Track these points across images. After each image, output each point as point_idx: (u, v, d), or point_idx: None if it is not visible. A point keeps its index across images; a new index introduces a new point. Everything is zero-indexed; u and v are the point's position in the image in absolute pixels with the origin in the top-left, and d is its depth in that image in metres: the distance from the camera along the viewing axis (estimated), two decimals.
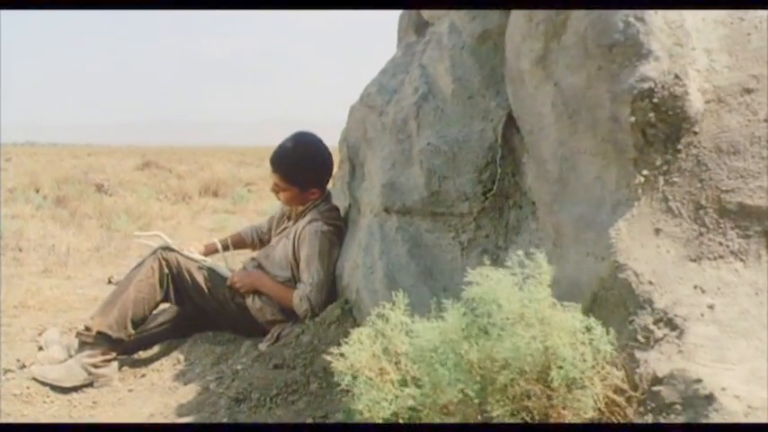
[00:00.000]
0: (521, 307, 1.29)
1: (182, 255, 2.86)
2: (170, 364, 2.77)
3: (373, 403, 1.43)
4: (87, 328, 2.74)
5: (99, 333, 2.71)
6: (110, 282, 4.76)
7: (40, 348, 3.01)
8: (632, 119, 1.48)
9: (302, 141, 2.91)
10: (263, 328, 2.84)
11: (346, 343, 1.51)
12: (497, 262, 2.15)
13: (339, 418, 2.03)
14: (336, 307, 2.49)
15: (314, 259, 2.72)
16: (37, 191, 9.31)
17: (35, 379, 2.67)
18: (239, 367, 2.43)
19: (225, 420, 2.15)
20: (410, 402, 1.43)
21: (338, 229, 2.82)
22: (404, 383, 1.45)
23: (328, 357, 1.49)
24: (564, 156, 1.70)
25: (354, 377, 1.47)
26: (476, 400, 1.32)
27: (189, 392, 2.44)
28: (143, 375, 2.76)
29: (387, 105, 2.51)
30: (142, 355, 3.01)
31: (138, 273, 2.80)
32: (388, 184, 2.36)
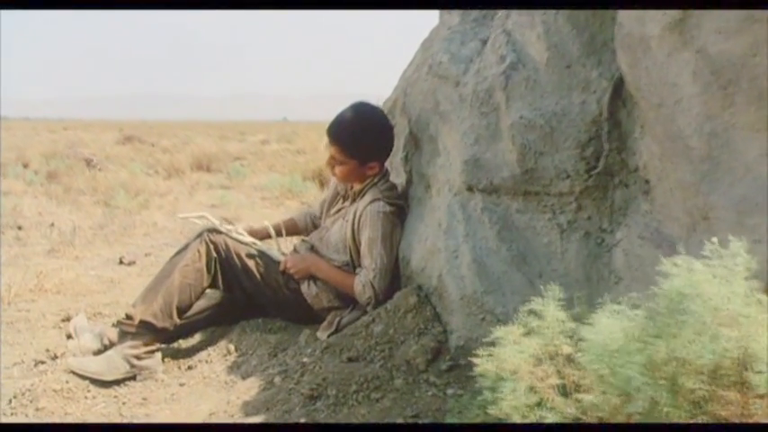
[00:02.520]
0: (724, 303, 1.11)
1: (230, 237, 2.64)
2: (219, 355, 2.57)
3: (529, 410, 1.26)
4: (129, 317, 2.53)
5: (142, 322, 2.50)
6: (121, 262, 4.53)
7: (69, 337, 2.79)
8: None
9: (363, 112, 2.65)
10: (318, 315, 2.65)
11: (492, 343, 1.33)
12: (602, 246, 1.99)
13: (435, 418, 1.85)
14: (411, 294, 2.29)
15: (376, 243, 2.52)
16: (25, 166, 8.94)
17: (73, 372, 2.46)
18: (306, 359, 2.23)
19: (302, 420, 1.96)
20: (571, 411, 1.26)
21: (400, 209, 2.62)
22: (564, 388, 1.27)
23: (476, 360, 1.31)
24: (713, 131, 1.52)
25: (501, 379, 1.29)
26: (665, 409, 1.15)
27: (251, 388, 2.24)
28: (189, 367, 2.56)
29: (463, 75, 2.30)
30: (182, 344, 2.80)
31: (182, 257, 2.58)
32: (471, 161, 2.17)
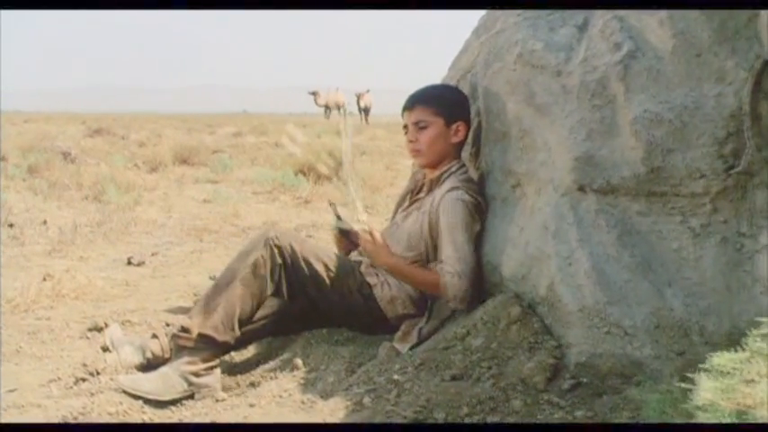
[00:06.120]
0: None
1: (295, 237, 2.42)
2: (285, 370, 2.33)
3: None
4: (185, 330, 2.28)
5: (201, 336, 2.26)
6: (129, 263, 4.25)
7: (105, 349, 2.53)
8: None
9: (441, 83, 2.81)
10: (388, 323, 2.44)
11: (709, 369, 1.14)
12: (741, 252, 1.82)
13: None
14: (511, 304, 2.09)
15: (458, 229, 2.31)
16: (2, 160, 8.48)
17: (125, 392, 2.21)
18: (398, 377, 2.01)
19: None
20: None
21: (478, 204, 2.40)
22: None
23: (703, 393, 1.11)
24: None
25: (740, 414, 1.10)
26: None
27: (335, 409, 2.00)
28: (252, 384, 2.32)
29: (565, 64, 2.10)
30: (236, 357, 2.57)
31: (244, 263, 2.33)
32: (582, 158, 1.98)
